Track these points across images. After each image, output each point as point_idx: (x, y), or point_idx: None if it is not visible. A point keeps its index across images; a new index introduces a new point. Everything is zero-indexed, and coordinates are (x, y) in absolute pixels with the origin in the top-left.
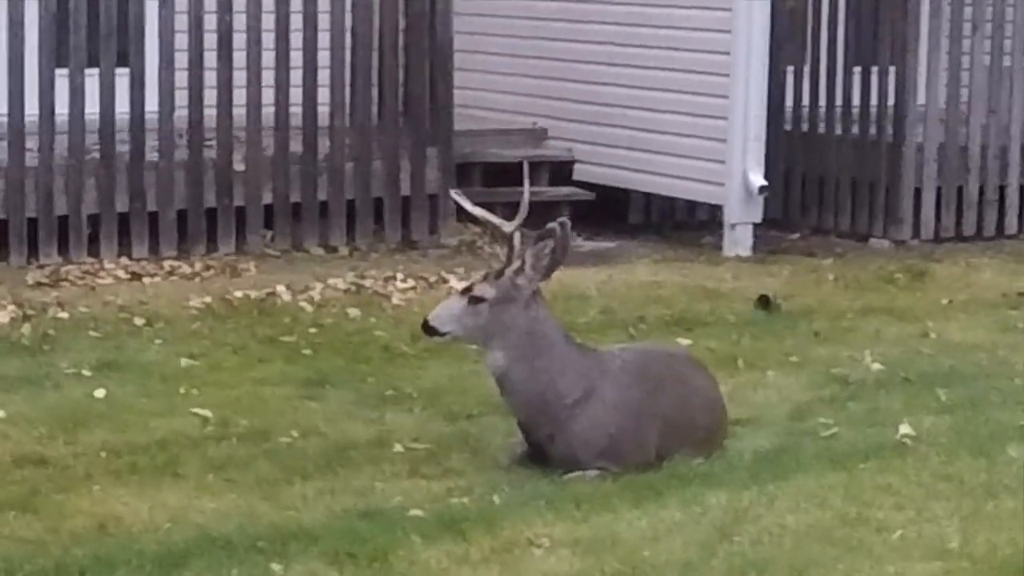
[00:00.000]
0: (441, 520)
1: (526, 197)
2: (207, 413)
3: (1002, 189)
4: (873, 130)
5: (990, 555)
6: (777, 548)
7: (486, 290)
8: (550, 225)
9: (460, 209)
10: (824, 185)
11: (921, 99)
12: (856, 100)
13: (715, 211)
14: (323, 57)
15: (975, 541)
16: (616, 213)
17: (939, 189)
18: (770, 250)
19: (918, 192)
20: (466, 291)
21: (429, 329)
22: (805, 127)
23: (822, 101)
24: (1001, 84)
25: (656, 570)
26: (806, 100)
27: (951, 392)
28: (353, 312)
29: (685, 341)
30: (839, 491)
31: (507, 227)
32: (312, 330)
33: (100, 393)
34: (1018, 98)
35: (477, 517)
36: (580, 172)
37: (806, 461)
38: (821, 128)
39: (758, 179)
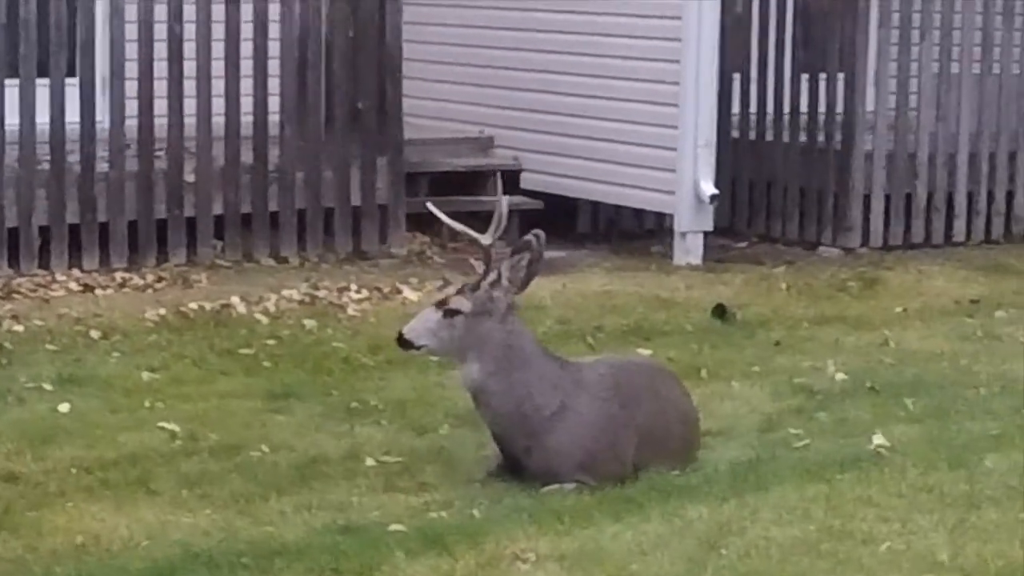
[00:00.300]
0: (423, 535)
1: (504, 208)
2: (174, 427)
3: (950, 196)
4: (822, 137)
5: (981, 567)
6: (766, 561)
7: (462, 303)
8: (526, 237)
9: (410, 219)
10: (771, 193)
11: (870, 106)
12: (804, 107)
13: (663, 219)
14: (273, 66)
15: (964, 553)
16: (564, 222)
17: (888, 197)
18: (719, 258)
19: (867, 199)
20: (441, 304)
21: (404, 343)
22: (752, 134)
23: (770, 108)
24: (949, 91)
25: None
26: (753, 107)
27: (918, 402)
28: (309, 323)
29: (645, 351)
30: (820, 503)
31: (484, 239)
32: (270, 342)
33: (65, 408)
34: (965, 105)
35: (459, 532)
36: (528, 181)
37: (783, 473)
38: (768, 135)
39: (709, 188)
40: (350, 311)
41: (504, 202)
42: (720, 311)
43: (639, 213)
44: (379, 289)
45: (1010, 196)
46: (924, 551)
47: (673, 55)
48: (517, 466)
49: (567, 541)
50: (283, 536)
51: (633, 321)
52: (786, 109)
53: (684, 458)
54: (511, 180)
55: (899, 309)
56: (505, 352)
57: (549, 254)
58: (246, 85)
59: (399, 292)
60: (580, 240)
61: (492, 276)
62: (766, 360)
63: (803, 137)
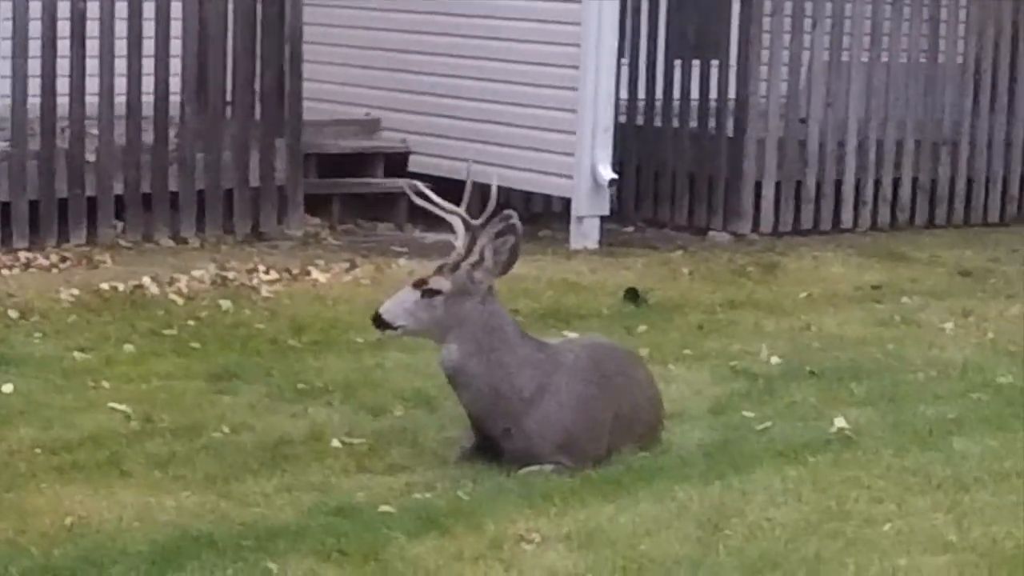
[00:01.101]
0: (418, 517)
1: (494, 192)
2: (126, 408)
3: (838, 183)
4: (712, 124)
5: (993, 548)
6: (774, 543)
7: (442, 283)
8: (512, 220)
9: (308, 200)
10: (660, 178)
11: (761, 92)
12: (695, 93)
13: (551, 203)
14: (175, 47)
15: (971, 534)
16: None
17: (778, 183)
18: (611, 243)
19: (758, 186)
20: (420, 283)
21: (381, 323)
22: (640, 120)
23: (659, 94)
24: (839, 78)
25: (661, 566)
26: (642, 93)
27: (860, 386)
28: (225, 304)
29: (571, 334)
30: (807, 485)
31: (474, 220)
32: (190, 323)
33: (8, 388)
34: (855, 93)
35: (453, 513)
36: (418, 164)
37: (758, 455)
38: (657, 121)
39: (607, 172)
40: (264, 292)
41: (495, 187)
42: (632, 295)
43: (528, 197)
44: (288, 271)
45: (896, 183)
46: (931, 532)
47: (572, 39)
48: (495, 448)
49: (566, 522)
50: (275, 517)
51: (546, 305)
52: (676, 95)
53: (650, 440)
54: (399, 163)
55: (803, 294)
56: (485, 333)
57: (440, 236)
58: (148, 65)
59: (308, 274)
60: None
61: (475, 256)
62: (695, 344)
63: (694, 123)
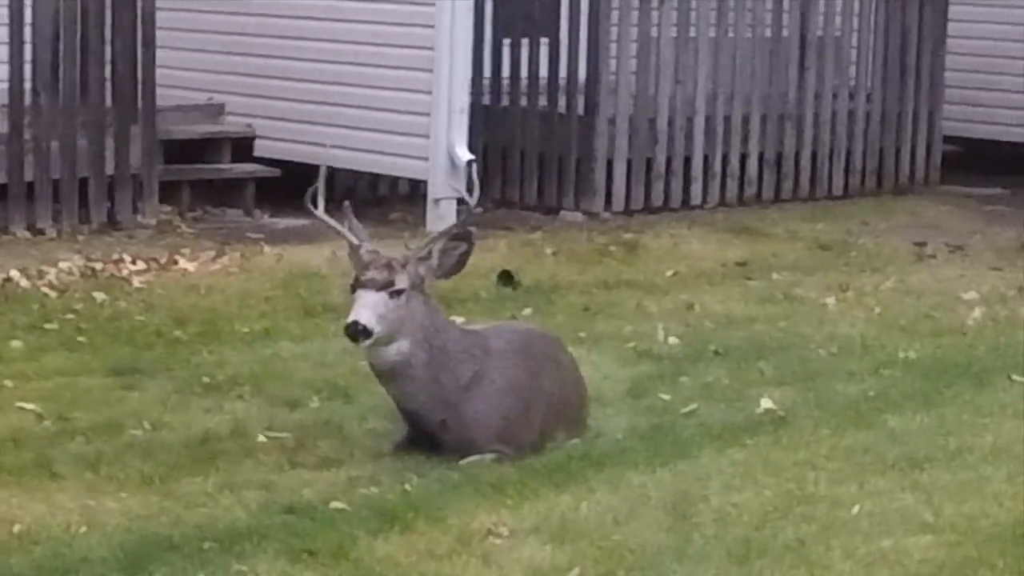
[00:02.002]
0: (375, 513)
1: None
2: (34, 407)
3: (687, 160)
4: (563, 103)
5: (972, 527)
6: (747, 528)
7: (402, 280)
8: (468, 228)
9: (164, 187)
10: (507, 158)
11: (611, 69)
12: (544, 72)
13: (397, 185)
14: (28, 33)
15: (945, 513)
16: (298, 190)
17: (628, 161)
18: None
19: (609, 164)
20: (385, 285)
21: (364, 332)
22: (486, 100)
23: (506, 73)
24: (687, 55)
25: (643, 556)
26: (487, 72)
27: (769, 365)
28: (100, 296)
29: (458, 319)
30: (758, 468)
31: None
32: (70, 316)
33: None
34: (703, 69)
35: (410, 507)
36: (264, 149)
37: (695, 439)
38: (505, 101)
39: (464, 152)
40: (136, 283)
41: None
42: (506, 277)
43: (375, 180)
44: (156, 260)
45: (743, 159)
46: (904, 512)
47: (427, 20)
48: (431, 441)
49: (528, 514)
50: (227, 517)
51: None
52: (524, 75)
53: (577, 426)
54: (246, 148)
55: (669, 273)
56: (427, 326)
57: (291, 222)
58: (2, 52)
59: (175, 263)
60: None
61: (423, 252)
62: (587, 326)
63: (543, 103)
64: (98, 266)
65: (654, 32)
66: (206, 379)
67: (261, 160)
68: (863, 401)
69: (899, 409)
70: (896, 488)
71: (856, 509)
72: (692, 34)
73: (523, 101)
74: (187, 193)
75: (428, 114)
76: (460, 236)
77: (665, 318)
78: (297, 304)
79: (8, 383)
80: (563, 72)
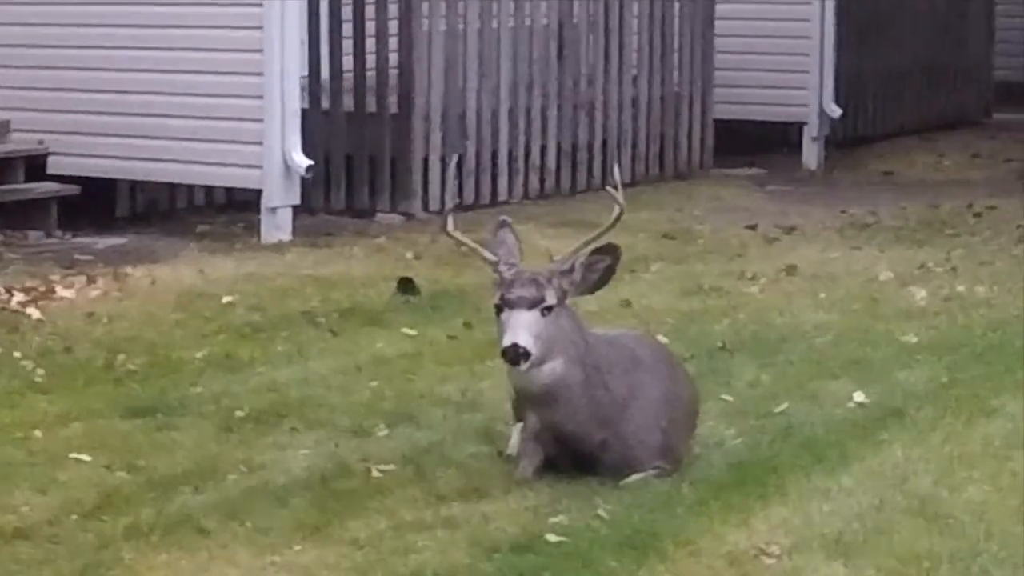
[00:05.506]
0: (613, 543)
1: (620, 197)
2: (89, 458)
3: (494, 154)
4: (372, 102)
5: None
6: None
7: (551, 296)
8: (612, 242)
9: None
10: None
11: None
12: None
13: (212, 196)
14: None
15: None
16: (98, 207)
17: (441, 158)
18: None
19: (424, 163)
20: (536, 303)
21: (524, 355)
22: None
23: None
24: (490, 47)
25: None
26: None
27: (790, 358)
28: (3, 333)
29: (408, 332)
30: (935, 463)
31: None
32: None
33: None
34: (505, 62)
35: (648, 534)
36: (58, 166)
37: (833, 439)
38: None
39: (301, 158)
40: (33, 316)
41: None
42: (406, 285)
43: (172, 191)
44: (35, 289)
45: (544, 150)
46: None
47: (255, 21)
48: (585, 464)
49: (778, 530)
50: (447, 563)
51: (320, 304)
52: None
53: (693, 434)
54: (37, 165)
55: None
56: (576, 341)
57: (109, 241)
58: None
59: (53, 291)
60: (121, 226)
61: (567, 265)
62: None
63: (351, 103)
64: None
65: (461, 25)
66: (239, 413)
67: (57, 177)
68: (952, 387)
69: (994, 396)
70: None
71: None
72: (494, 25)
73: (325, 102)
74: None
75: (261, 120)
76: (603, 249)
77: (617, 320)
78: (214, 327)
79: (37, 433)
80: (376, 71)
